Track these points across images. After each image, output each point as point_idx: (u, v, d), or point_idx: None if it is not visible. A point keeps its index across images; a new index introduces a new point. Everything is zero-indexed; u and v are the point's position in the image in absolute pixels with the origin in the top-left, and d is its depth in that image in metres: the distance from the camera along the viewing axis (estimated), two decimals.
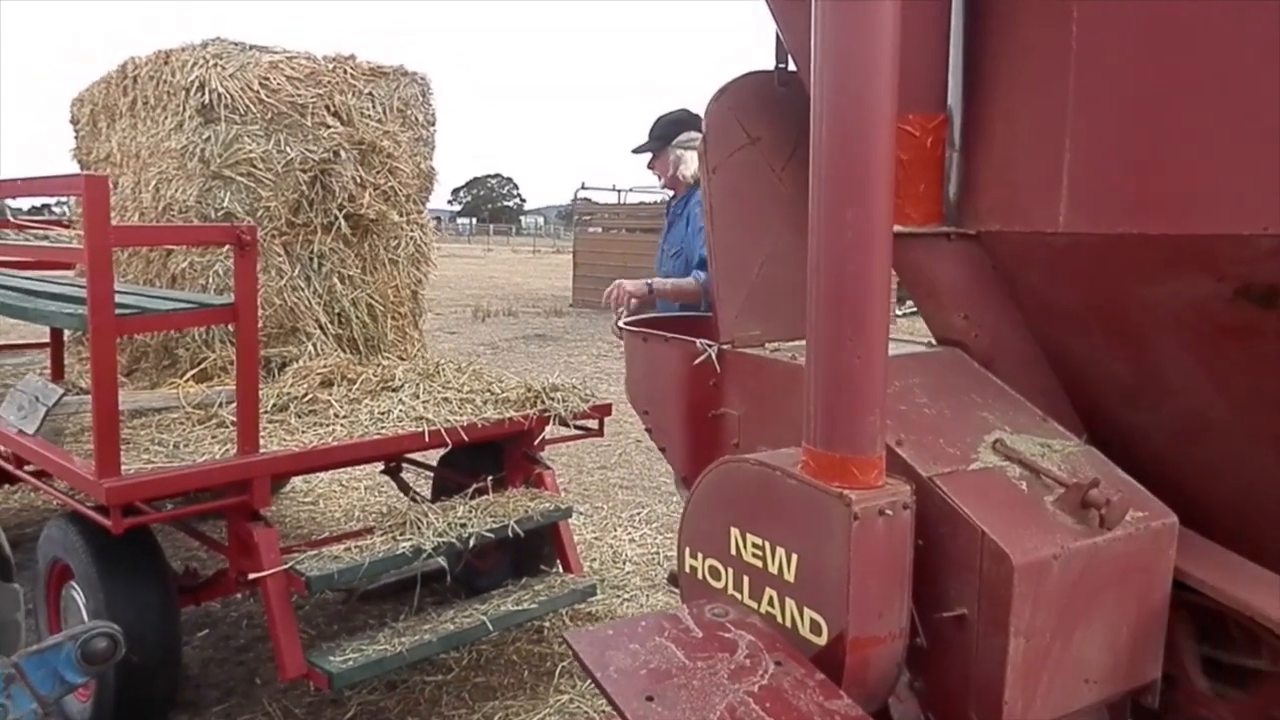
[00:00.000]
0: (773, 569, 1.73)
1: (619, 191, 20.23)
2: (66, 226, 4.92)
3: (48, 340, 4.16)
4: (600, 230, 18.82)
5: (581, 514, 5.04)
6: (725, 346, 2.25)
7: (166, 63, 3.61)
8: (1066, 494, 1.71)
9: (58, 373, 3.82)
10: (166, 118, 3.61)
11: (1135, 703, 1.91)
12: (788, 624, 1.70)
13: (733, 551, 1.83)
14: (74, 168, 4.64)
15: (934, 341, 2.28)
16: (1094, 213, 1.83)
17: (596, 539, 4.74)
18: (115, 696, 2.76)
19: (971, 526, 1.64)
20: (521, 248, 44.33)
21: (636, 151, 3.62)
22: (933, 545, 1.70)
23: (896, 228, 2.11)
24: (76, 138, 4.60)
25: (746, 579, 1.80)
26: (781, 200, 2.33)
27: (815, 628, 1.65)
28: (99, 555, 2.74)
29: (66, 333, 3.92)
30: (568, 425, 3.60)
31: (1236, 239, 1.66)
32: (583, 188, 19.38)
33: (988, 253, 2.09)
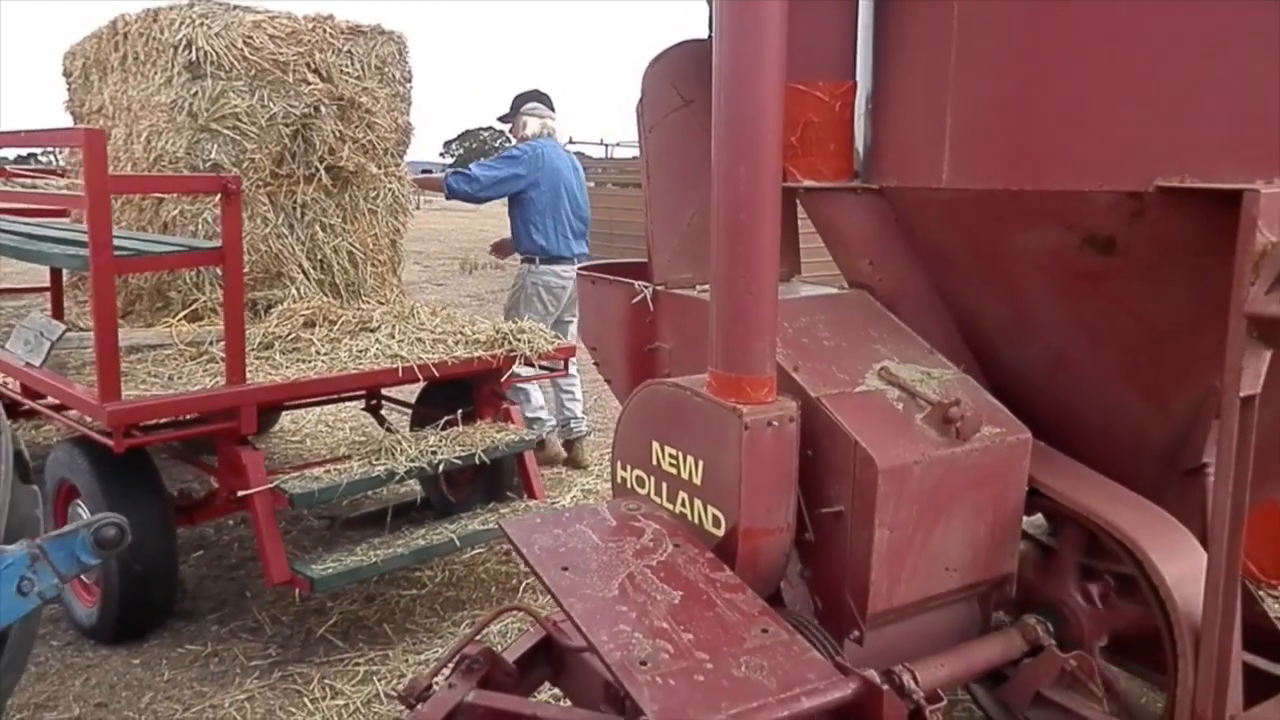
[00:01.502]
0: (684, 475, 2.04)
1: (607, 146, 20.30)
2: (60, 175, 5.14)
3: (46, 285, 4.41)
4: (591, 184, 18.93)
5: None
6: (659, 288, 2.53)
7: (155, 20, 3.82)
8: (931, 412, 2.01)
9: (58, 314, 4.07)
10: (156, 73, 3.82)
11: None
12: (696, 521, 2.00)
13: (654, 462, 2.13)
14: (67, 118, 4.86)
15: (845, 285, 2.57)
16: (971, 171, 2.11)
17: (565, 478, 5.05)
18: (119, 602, 3.07)
19: (848, 437, 1.94)
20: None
21: (500, 120, 5.35)
22: (819, 454, 2.00)
23: (809, 182, 2.40)
24: (69, 90, 4.80)
25: (665, 485, 2.10)
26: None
27: (716, 522, 1.95)
28: (102, 474, 3.03)
29: (65, 276, 4.17)
30: (533, 365, 3.89)
31: (1080, 194, 1.94)
32: (570, 141, 19.45)
33: (889, 205, 2.37)
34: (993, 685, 2.27)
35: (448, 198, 5.00)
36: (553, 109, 5.25)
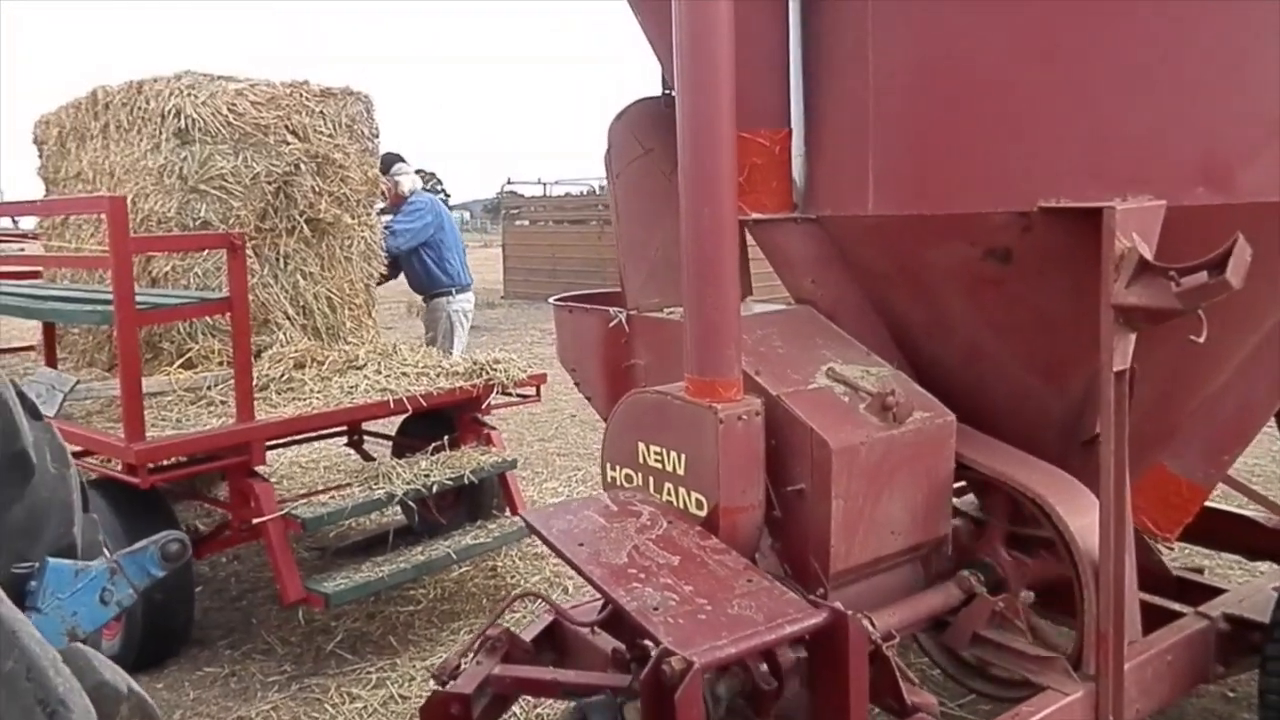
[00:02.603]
0: (669, 468, 2.39)
1: (544, 184, 20.75)
2: (35, 239, 5.33)
3: (30, 344, 4.62)
4: (528, 223, 19.32)
5: (523, 479, 5.64)
6: (632, 312, 2.90)
7: (140, 91, 4.09)
8: (871, 401, 2.40)
9: (52, 368, 4.29)
10: (143, 140, 4.09)
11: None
12: (681, 505, 2.36)
13: (640, 460, 2.48)
14: (38, 183, 5.07)
15: (792, 301, 2.97)
16: (891, 200, 2.54)
17: (538, 497, 5.36)
18: (142, 630, 3.30)
19: (805, 426, 2.32)
20: None
21: None
22: (781, 441, 2.38)
23: (756, 215, 2.81)
24: (42, 156, 5.01)
25: (651, 479, 2.45)
26: (671, 198, 2.95)
27: (699, 504, 2.31)
28: (121, 513, 3.26)
29: (59, 329, 4.38)
30: (509, 393, 4.22)
31: (979, 215, 2.37)
32: (509, 182, 19.86)
33: (825, 232, 2.78)
34: (937, 632, 2.65)
35: (388, 253, 5.54)
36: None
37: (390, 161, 5.95)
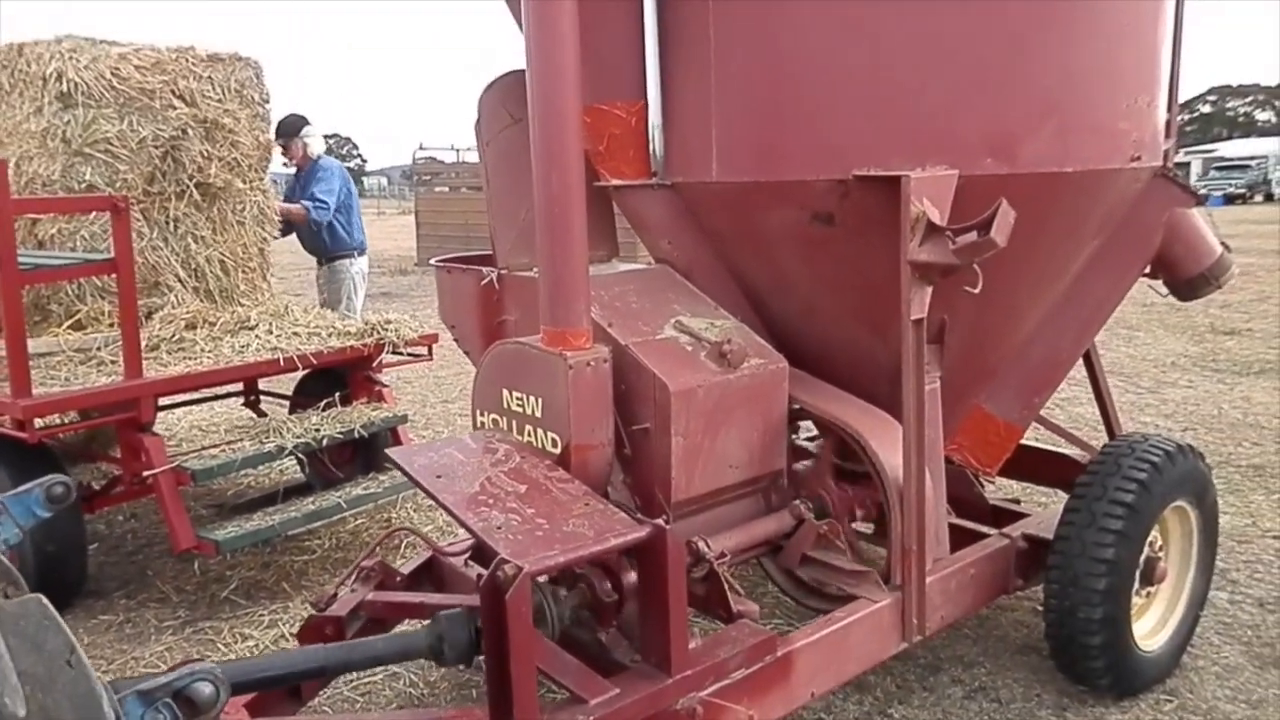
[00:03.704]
0: (528, 411, 2.63)
1: (458, 150, 20.59)
2: None
3: None
4: (446, 189, 19.19)
5: (426, 437, 5.83)
6: (503, 271, 3.11)
7: (20, 54, 4.10)
8: (710, 349, 2.68)
9: None
10: (24, 103, 4.11)
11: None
12: (539, 445, 2.60)
13: (505, 405, 2.71)
14: None
15: (652, 261, 3.22)
16: (731, 168, 2.80)
17: None
18: (35, 582, 3.41)
19: (649, 371, 2.58)
20: (367, 209, 43.45)
21: (278, 142, 5.67)
22: (629, 386, 2.63)
23: (616, 181, 3.04)
24: None
25: (514, 422, 2.69)
26: None
27: (554, 443, 2.55)
28: (10, 467, 3.36)
29: None
30: (400, 352, 4.39)
31: (805, 183, 2.65)
32: (420, 148, 19.67)
33: (679, 197, 3.03)
34: (774, 555, 2.96)
35: (317, 224, 6.02)
36: None
37: (298, 125, 6.06)
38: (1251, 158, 38.48)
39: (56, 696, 0.99)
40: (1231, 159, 39.41)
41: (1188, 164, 45.27)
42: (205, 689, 1.50)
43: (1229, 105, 72.50)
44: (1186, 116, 73.85)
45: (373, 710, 2.94)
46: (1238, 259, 3.41)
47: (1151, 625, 3.03)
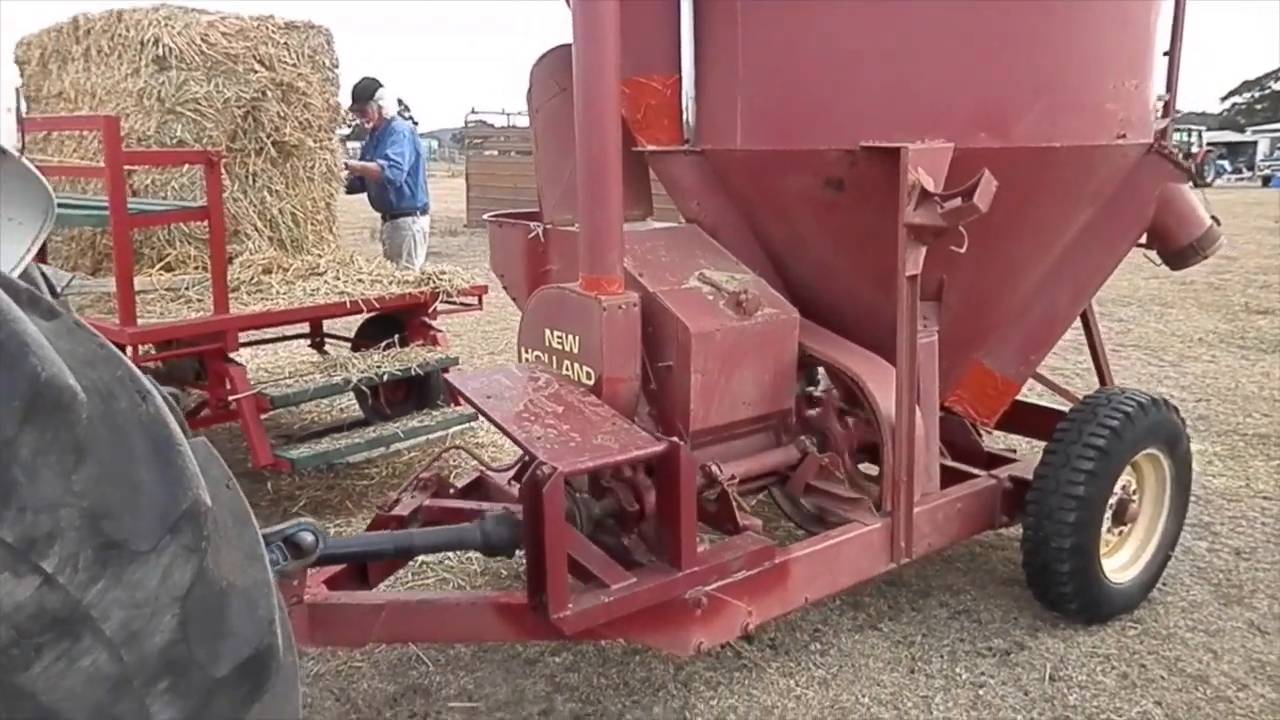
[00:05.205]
0: (567, 348, 3.00)
1: (508, 115, 20.97)
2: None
3: None
4: (495, 153, 19.59)
5: None
6: (548, 226, 3.48)
7: (120, 20, 4.54)
8: (728, 299, 3.02)
9: None
10: (123, 65, 4.55)
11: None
12: (576, 378, 2.98)
13: (546, 343, 3.08)
14: (20, 99, 5.48)
15: (683, 221, 3.56)
16: (753, 137, 3.13)
17: None
18: None
19: (673, 315, 2.94)
20: None
21: (353, 108, 6.35)
22: (656, 328, 2.99)
23: (652, 147, 3.38)
24: (24, 75, 5.43)
25: (554, 358, 3.06)
26: None
27: (588, 375, 2.93)
28: None
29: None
30: (453, 301, 4.80)
31: (818, 152, 2.97)
32: (473, 112, 20.06)
33: (708, 162, 3.37)
34: (782, 485, 3.32)
35: (391, 183, 6.47)
36: None
37: (372, 88, 6.42)
38: None
39: (219, 510, 1.38)
40: None
41: (1254, 143, 43.98)
42: (308, 537, 1.91)
43: None
44: (1256, 94, 71.51)
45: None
46: None
47: (1124, 561, 3.34)
